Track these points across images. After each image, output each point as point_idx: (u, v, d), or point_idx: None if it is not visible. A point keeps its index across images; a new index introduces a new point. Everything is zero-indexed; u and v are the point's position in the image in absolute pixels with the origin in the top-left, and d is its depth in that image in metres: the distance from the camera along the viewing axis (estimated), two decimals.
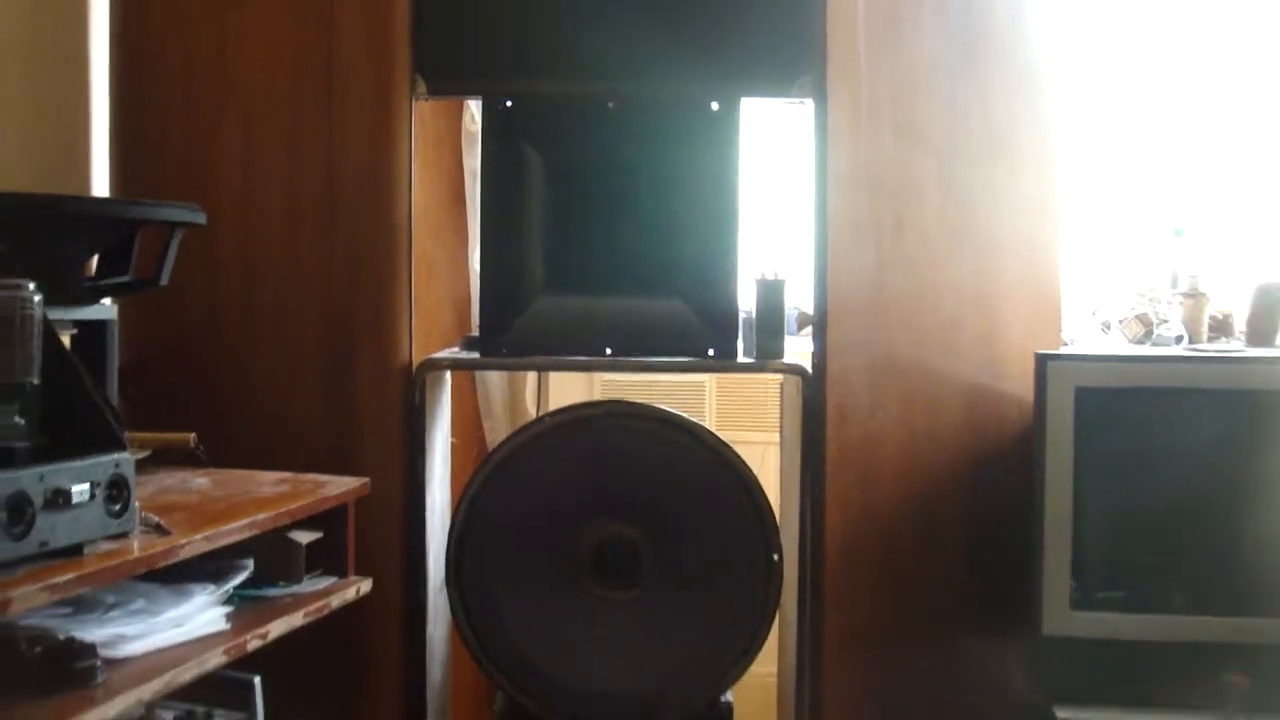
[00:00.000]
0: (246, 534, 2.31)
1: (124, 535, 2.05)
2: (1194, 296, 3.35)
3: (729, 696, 3.17)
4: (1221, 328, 3.40)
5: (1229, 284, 3.44)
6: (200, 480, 2.64)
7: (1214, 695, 2.91)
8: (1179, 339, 3.33)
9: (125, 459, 2.02)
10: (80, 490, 1.92)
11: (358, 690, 3.16)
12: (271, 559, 2.53)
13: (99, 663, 1.97)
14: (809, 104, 3.16)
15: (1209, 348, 3.27)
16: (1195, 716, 2.93)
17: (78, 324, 2.41)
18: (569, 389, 3.77)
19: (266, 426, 3.11)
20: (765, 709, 3.48)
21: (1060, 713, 2.99)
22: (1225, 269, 3.49)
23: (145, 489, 2.30)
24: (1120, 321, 3.45)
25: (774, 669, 3.52)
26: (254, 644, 2.28)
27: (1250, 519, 3.03)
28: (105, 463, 1.98)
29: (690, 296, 3.08)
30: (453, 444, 3.40)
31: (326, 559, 2.65)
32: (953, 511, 3.25)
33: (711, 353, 3.09)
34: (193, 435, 2.76)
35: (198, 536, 2.18)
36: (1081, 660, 3.04)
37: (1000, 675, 3.26)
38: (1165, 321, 3.38)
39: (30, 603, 1.83)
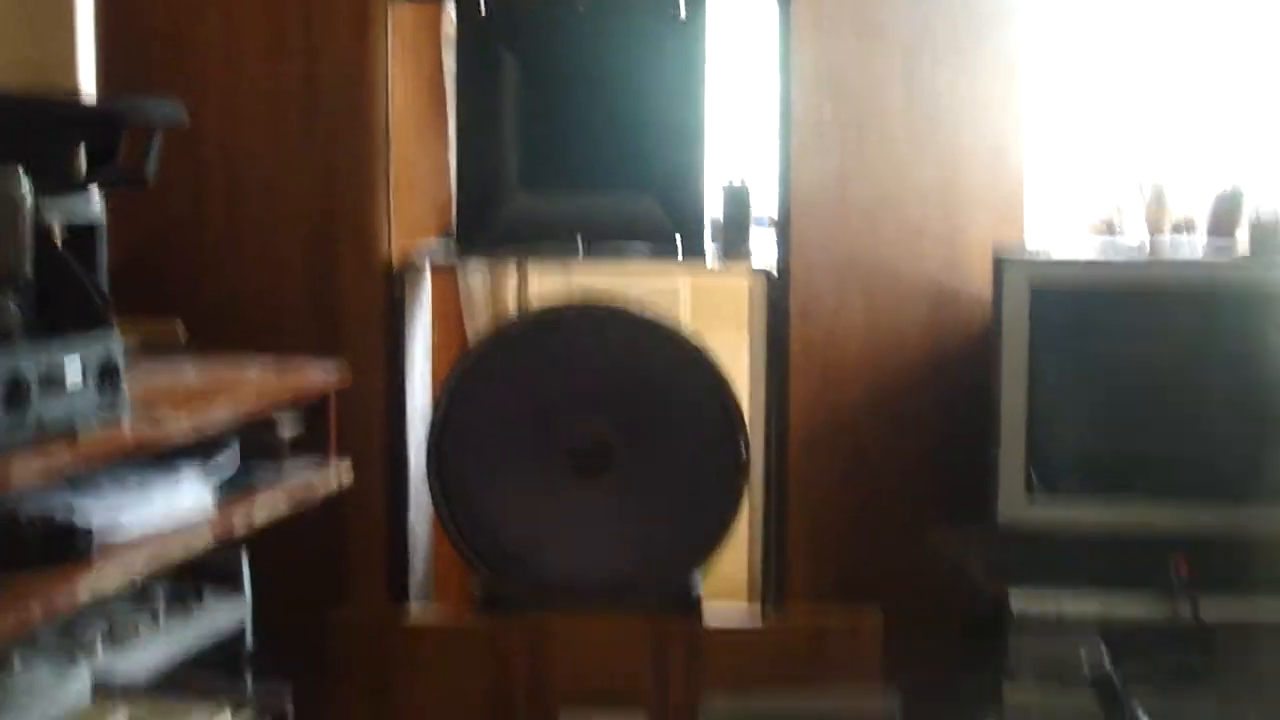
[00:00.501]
0: (233, 418, 2.41)
1: (115, 419, 2.15)
2: (1156, 201, 3.43)
3: (698, 585, 3.30)
4: (1185, 229, 3.47)
5: (1191, 189, 3.51)
6: (187, 368, 2.73)
7: (1161, 580, 3.04)
8: (1140, 243, 3.42)
9: (115, 341, 2.12)
10: (73, 371, 2.02)
11: (342, 577, 3.29)
12: (256, 445, 2.64)
13: (93, 540, 2.07)
14: (774, 3, 3.22)
15: (1169, 251, 3.36)
16: (1142, 600, 3.06)
17: (68, 229, 2.48)
18: (548, 291, 3.85)
19: (250, 325, 3.20)
20: (733, 593, 3.60)
21: (1014, 596, 3.13)
22: (1188, 174, 3.56)
23: (134, 377, 2.39)
24: (1083, 225, 3.54)
25: (742, 562, 3.64)
26: (240, 527, 2.38)
27: (1197, 414, 3.16)
28: (96, 344, 2.08)
29: (661, 195, 3.17)
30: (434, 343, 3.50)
31: (310, 449, 2.76)
32: (915, 408, 3.37)
33: (680, 252, 3.18)
34: (179, 323, 2.86)
35: (186, 420, 2.28)
36: (1035, 547, 3.17)
37: (959, 561, 3.39)
38: (1126, 228, 3.46)
39: (27, 479, 1.93)
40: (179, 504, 2.32)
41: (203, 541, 2.28)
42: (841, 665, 3.19)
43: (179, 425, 2.26)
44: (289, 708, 1.67)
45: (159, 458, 2.38)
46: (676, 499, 3.20)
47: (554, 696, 3.17)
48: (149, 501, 2.27)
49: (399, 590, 3.30)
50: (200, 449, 2.49)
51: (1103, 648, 1.47)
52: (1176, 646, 3.02)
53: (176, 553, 2.21)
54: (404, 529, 3.29)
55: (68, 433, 2.03)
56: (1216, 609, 3.02)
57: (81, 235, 2.53)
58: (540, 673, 3.19)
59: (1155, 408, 3.18)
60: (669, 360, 3.18)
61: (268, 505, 2.49)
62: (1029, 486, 3.16)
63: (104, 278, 2.62)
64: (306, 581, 3.18)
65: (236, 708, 1.62)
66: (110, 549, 2.11)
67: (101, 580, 2.02)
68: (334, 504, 3.04)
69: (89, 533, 2.05)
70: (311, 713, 1.84)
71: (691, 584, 3.27)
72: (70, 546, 2.04)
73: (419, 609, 3.33)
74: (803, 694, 3.14)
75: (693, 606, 3.26)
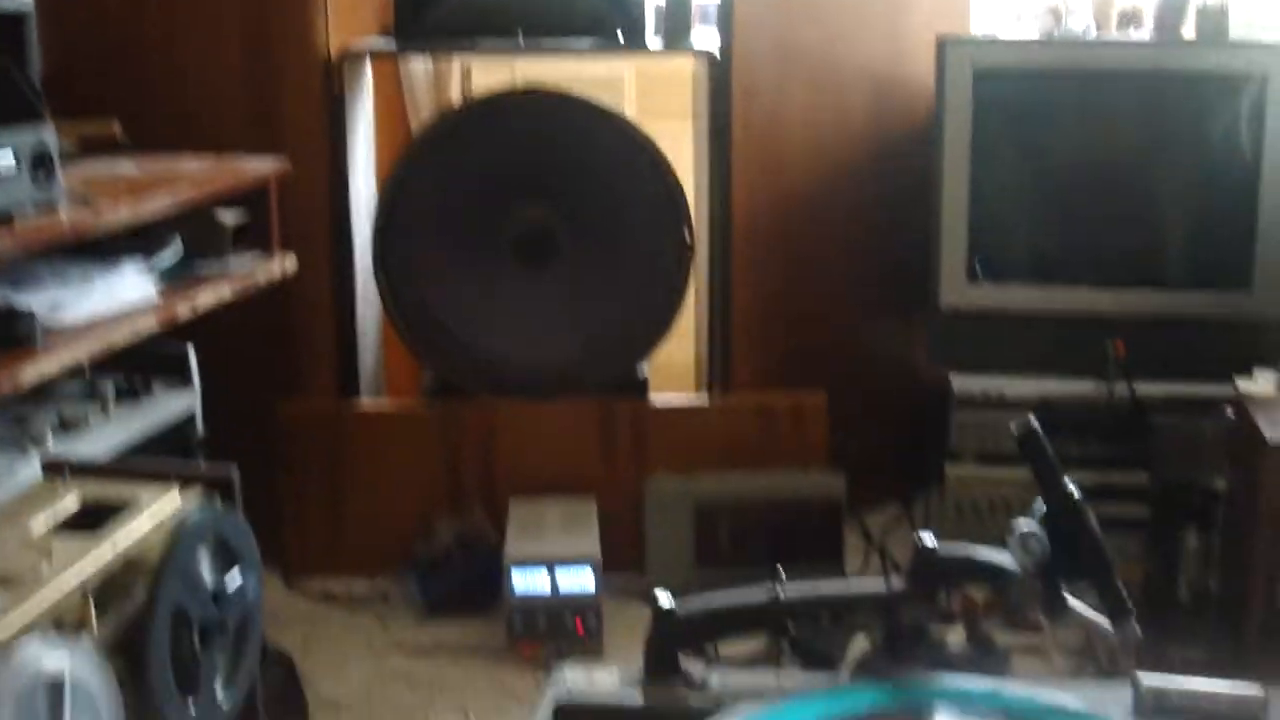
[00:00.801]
0: (172, 208, 2.41)
1: (51, 207, 2.14)
2: None
3: (645, 371, 3.35)
4: (1131, 21, 3.47)
5: None
6: (125, 164, 2.72)
7: (1097, 362, 3.11)
8: (1087, 30, 3.41)
9: (49, 132, 2.10)
10: (5, 157, 2.00)
11: (292, 372, 3.31)
12: (199, 239, 2.63)
13: (36, 323, 2.08)
14: None
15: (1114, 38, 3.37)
16: (1079, 381, 3.14)
17: None
18: (492, 82, 3.82)
19: (189, 124, 3.15)
20: (681, 387, 3.65)
21: (955, 379, 3.19)
22: None
23: (72, 175, 2.38)
24: (1031, 13, 3.52)
25: (689, 358, 3.69)
26: (184, 313, 2.39)
27: (1136, 199, 3.19)
28: (29, 133, 2.06)
29: None
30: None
31: (253, 241, 2.76)
32: (857, 195, 3.39)
33: (621, 37, 3.16)
34: (115, 123, 2.84)
35: (124, 210, 2.27)
36: (977, 332, 3.22)
37: (902, 347, 3.45)
38: (1074, 14, 3.45)
39: None
40: (122, 294, 2.32)
41: (148, 327, 2.29)
42: (787, 445, 3.26)
43: (117, 215, 2.25)
44: (237, 484, 1.70)
45: (101, 253, 2.38)
46: (623, 285, 3.22)
47: (503, 483, 3.23)
48: (91, 292, 2.27)
49: (349, 384, 3.33)
50: (142, 243, 2.49)
51: (1031, 415, 1.51)
52: (1113, 427, 3.11)
53: (122, 338, 2.22)
54: (352, 322, 3.31)
55: (3, 218, 2.03)
56: (1152, 390, 3.11)
57: (10, 25, 2.49)
58: (489, 460, 3.25)
59: (1095, 195, 3.21)
60: (613, 147, 3.17)
61: (212, 293, 2.49)
62: (970, 272, 3.20)
63: (35, 69, 2.58)
64: (257, 377, 3.20)
65: (185, 485, 1.64)
66: (55, 335, 2.12)
67: (47, 365, 2.03)
68: (281, 299, 3.06)
69: (31, 316, 2.06)
70: (262, 501, 1.87)
71: (638, 369, 3.32)
72: (13, 331, 2.04)
73: (369, 401, 3.37)
74: (749, 475, 3.21)
75: (639, 389, 3.31)
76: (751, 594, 1.54)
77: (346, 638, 3.03)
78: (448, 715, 2.70)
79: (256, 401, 3.16)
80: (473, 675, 2.85)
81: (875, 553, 3.27)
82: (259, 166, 2.75)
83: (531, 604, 2.90)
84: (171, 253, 2.55)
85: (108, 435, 2.37)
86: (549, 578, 2.91)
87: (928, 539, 1.49)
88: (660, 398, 3.32)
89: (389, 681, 2.84)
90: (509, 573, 2.90)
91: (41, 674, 1.27)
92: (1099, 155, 3.19)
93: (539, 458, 3.24)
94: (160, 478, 1.66)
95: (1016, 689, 1.46)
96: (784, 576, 1.54)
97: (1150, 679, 1.43)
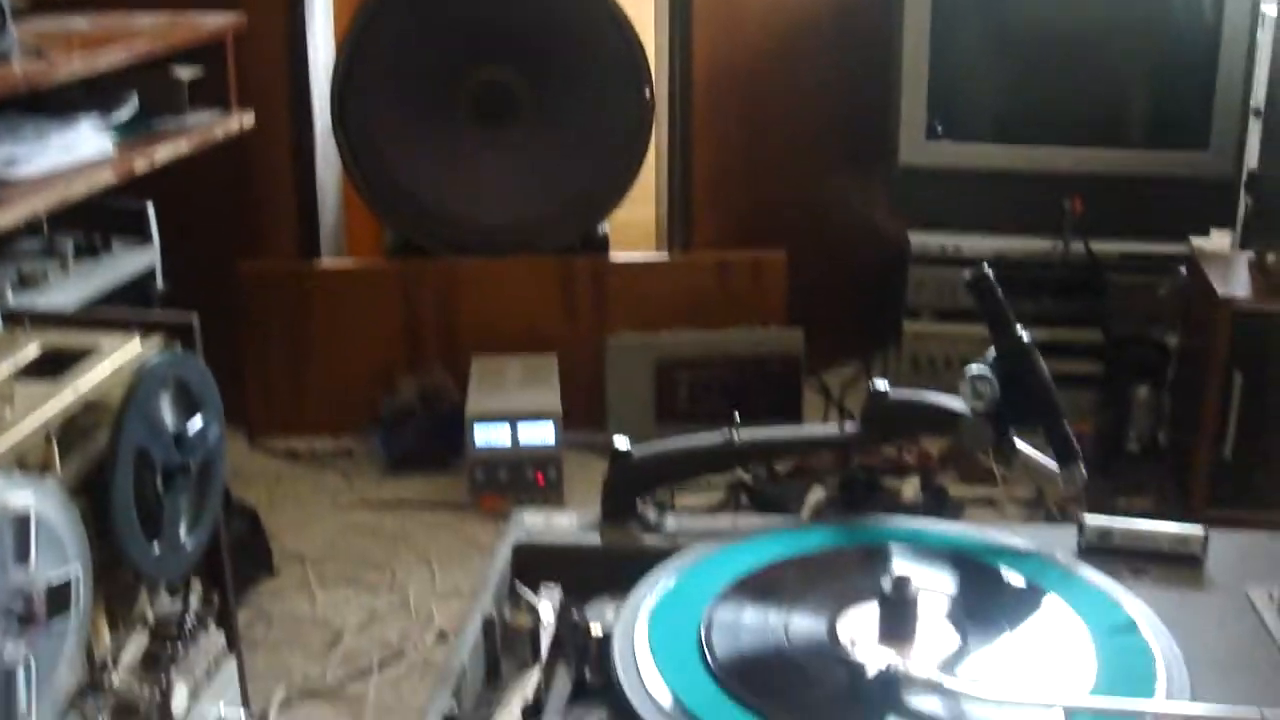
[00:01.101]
0: (127, 60, 2.39)
1: (4, 58, 2.12)
2: None
3: (605, 228, 3.35)
4: None
5: None
6: (78, 20, 2.68)
7: (1054, 220, 3.13)
8: None
9: None
10: None
11: (254, 232, 3.30)
12: (155, 95, 2.62)
13: None
14: None
15: None
16: (1036, 238, 3.16)
17: None
18: None
19: None
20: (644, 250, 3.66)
21: (914, 236, 3.21)
22: None
23: (24, 30, 2.34)
24: None
25: (650, 213, 3.69)
26: (141, 167, 2.39)
27: (1095, 58, 3.19)
28: None
29: None
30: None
31: (210, 98, 2.74)
32: (819, 51, 3.38)
33: None
34: None
35: (78, 61, 2.25)
36: (935, 190, 3.24)
37: (862, 205, 3.46)
38: None
39: None
40: (79, 149, 2.31)
41: (105, 181, 2.28)
42: (747, 302, 3.28)
43: (71, 66, 2.24)
44: (197, 331, 1.71)
45: (57, 111, 2.36)
46: (583, 144, 3.22)
47: (465, 340, 3.24)
48: (47, 148, 2.26)
49: (310, 244, 3.33)
50: (98, 100, 2.47)
51: (984, 263, 1.53)
52: (1068, 284, 3.14)
53: (79, 191, 2.21)
54: (312, 181, 3.30)
55: None
56: (1107, 248, 3.14)
57: None
58: (451, 317, 3.27)
59: (1055, 53, 3.21)
60: (574, 4, 3.15)
61: (169, 148, 2.48)
62: (930, 130, 3.21)
63: None
64: (218, 238, 3.19)
65: (145, 333, 1.65)
66: (11, 189, 2.11)
67: (4, 217, 2.03)
68: (241, 158, 3.05)
69: None
70: (224, 361, 1.88)
71: (599, 227, 3.33)
72: None
73: (329, 260, 3.37)
74: (709, 331, 3.23)
75: (600, 247, 3.32)
76: (707, 438, 1.57)
77: (311, 493, 3.07)
78: (411, 566, 2.75)
79: (218, 263, 3.16)
80: (436, 528, 2.90)
81: (834, 408, 3.32)
82: (215, 21, 2.73)
83: (493, 457, 2.94)
84: (128, 109, 2.53)
85: (67, 291, 2.36)
86: (510, 432, 2.94)
87: (880, 384, 1.52)
88: (621, 255, 3.33)
89: (353, 535, 2.88)
90: (471, 427, 2.93)
91: (7, 509, 1.29)
92: (1059, 13, 3.19)
93: (500, 315, 3.26)
94: (121, 326, 1.67)
95: (965, 529, 1.49)
96: (739, 420, 1.57)
97: (1095, 519, 1.47)
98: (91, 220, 2.51)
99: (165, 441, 1.56)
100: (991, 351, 1.47)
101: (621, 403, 3.22)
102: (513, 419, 2.94)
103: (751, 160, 3.38)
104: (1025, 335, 1.45)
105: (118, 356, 1.57)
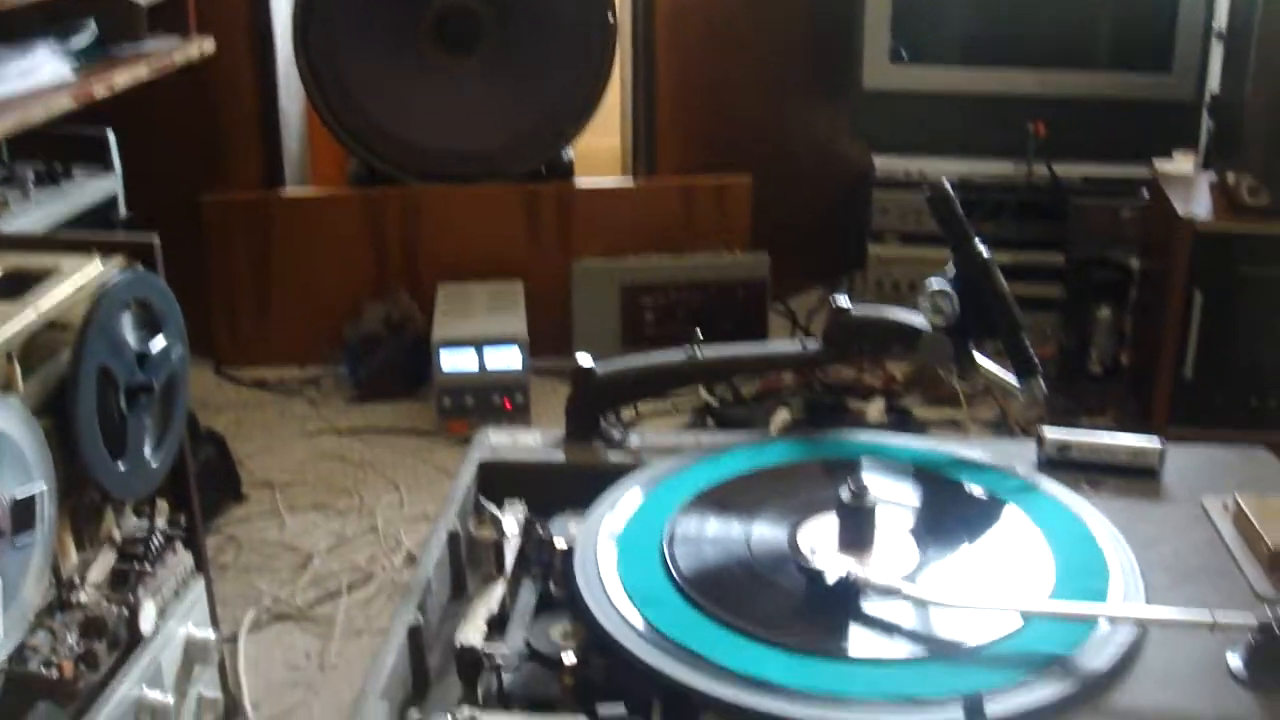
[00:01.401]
0: None
1: None
2: None
3: (570, 154, 3.34)
4: None
5: None
6: None
7: (1017, 142, 3.14)
8: None
9: None
10: None
11: (217, 163, 3.28)
12: (113, 22, 2.59)
13: None
14: None
15: None
16: (999, 161, 3.17)
17: None
18: None
19: None
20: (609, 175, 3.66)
21: (878, 160, 3.22)
22: None
23: None
24: None
25: (615, 141, 3.68)
26: (100, 92, 2.36)
27: None
28: None
29: None
30: None
31: (169, 25, 2.71)
32: None
33: None
34: None
35: None
36: (899, 115, 3.24)
37: (827, 129, 3.46)
38: None
39: None
40: (36, 75, 2.29)
41: (64, 106, 2.25)
42: (712, 225, 3.28)
43: None
44: (158, 252, 1.70)
45: (13, 38, 2.34)
46: (547, 69, 3.20)
47: (430, 268, 3.24)
48: (4, 74, 2.24)
49: (274, 173, 3.31)
50: (55, 27, 2.45)
51: (944, 178, 1.54)
52: (1032, 207, 3.16)
53: (38, 117, 2.18)
54: (275, 111, 3.27)
55: None
56: (1071, 170, 3.15)
57: None
58: (416, 244, 3.26)
59: None
60: None
61: (128, 73, 2.46)
62: (894, 54, 3.21)
63: None
64: (182, 168, 3.18)
65: (107, 253, 1.65)
66: None
67: None
68: (204, 88, 3.03)
69: None
70: (190, 292, 1.87)
71: (563, 153, 3.32)
72: None
73: (293, 189, 3.35)
74: (675, 256, 3.23)
75: (565, 172, 3.31)
76: (670, 355, 1.58)
77: (278, 421, 3.07)
78: (379, 491, 2.76)
79: (183, 193, 3.15)
80: (403, 453, 2.91)
81: (800, 331, 3.34)
82: None
83: (459, 382, 2.94)
84: (86, 35, 2.51)
85: (29, 217, 2.35)
86: (477, 358, 2.94)
87: (842, 300, 1.52)
88: (586, 180, 3.33)
89: (321, 460, 2.89)
90: (437, 353, 2.93)
91: None
92: None
93: (466, 242, 3.25)
94: (82, 247, 1.66)
95: (927, 443, 1.51)
96: (701, 338, 1.57)
97: (1054, 433, 1.49)
98: (52, 149, 2.49)
99: (128, 360, 1.56)
100: (951, 267, 1.47)
101: (588, 328, 3.23)
102: (479, 344, 2.94)
103: (715, 86, 3.37)
104: (984, 250, 1.46)
105: (79, 277, 1.56)
